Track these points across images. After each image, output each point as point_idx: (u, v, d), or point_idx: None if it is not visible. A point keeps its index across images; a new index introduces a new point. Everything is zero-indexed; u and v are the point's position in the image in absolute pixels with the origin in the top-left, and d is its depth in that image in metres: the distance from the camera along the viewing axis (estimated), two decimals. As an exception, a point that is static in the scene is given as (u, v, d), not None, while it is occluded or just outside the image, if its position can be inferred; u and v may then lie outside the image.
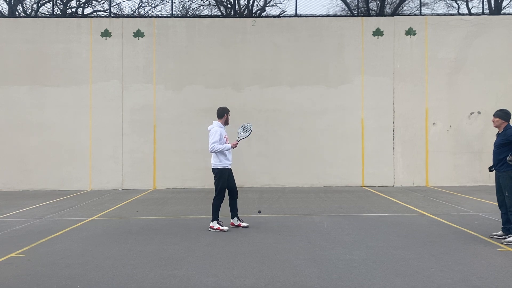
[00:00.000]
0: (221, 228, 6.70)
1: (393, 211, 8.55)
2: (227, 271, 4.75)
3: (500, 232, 6.13)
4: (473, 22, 13.19)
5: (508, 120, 6.04)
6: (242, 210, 8.74)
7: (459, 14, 17.76)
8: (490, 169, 6.19)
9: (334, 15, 16.52)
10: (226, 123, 7.01)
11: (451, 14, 15.64)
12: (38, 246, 5.94)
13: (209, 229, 6.74)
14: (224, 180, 6.75)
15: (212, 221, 6.76)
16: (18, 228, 7.18)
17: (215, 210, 6.74)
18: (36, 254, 5.52)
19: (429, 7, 19.80)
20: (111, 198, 10.84)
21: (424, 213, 8.26)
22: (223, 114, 6.96)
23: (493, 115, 6.08)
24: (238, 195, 7.03)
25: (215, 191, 6.78)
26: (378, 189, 12.10)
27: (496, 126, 6.04)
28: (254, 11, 20.07)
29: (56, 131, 12.91)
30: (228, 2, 21.35)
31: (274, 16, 15.54)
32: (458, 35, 13.10)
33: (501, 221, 6.18)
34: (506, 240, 5.85)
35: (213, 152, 6.71)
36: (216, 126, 6.81)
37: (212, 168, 6.83)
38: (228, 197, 6.94)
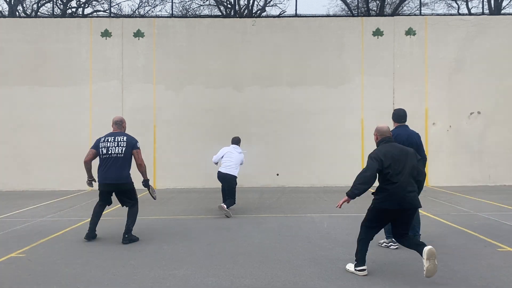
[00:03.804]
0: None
1: (393, 211, 8.53)
2: (227, 271, 4.75)
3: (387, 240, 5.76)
4: (473, 22, 13.19)
5: (397, 121, 5.74)
6: (242, 210, 8.76)
7: (459, 14, 17.77)
8: None
9: (334, 15, 16.53)
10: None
11: (451, 14, 15.65)
12: (38, 246, 5.94)
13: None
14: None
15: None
16: (18, 228, 7.18)
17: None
18: (36, 254, 5.52)
19: (429, 7, 19.82)
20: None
21: (424, 213, 8.25)
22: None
23: None
24: (233, 199, 8.21)
25: None
26: (378, 189, 12.09)
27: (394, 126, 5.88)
28: (254, 11, 20.08)
29: (56, 131, 12.92)
30: (228, 2, 21.36)
31: (274, 16, 15.54)
32: (458, 35, 13.10)
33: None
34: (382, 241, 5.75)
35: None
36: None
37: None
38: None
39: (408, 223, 4.49)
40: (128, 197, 6.24)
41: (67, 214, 8.65)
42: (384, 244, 5.70)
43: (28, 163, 12.86)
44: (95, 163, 6.19)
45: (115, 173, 6.00)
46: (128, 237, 6.04)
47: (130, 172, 6.23)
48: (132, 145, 6.10)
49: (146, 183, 6.34)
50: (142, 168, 6.21)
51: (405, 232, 4.50)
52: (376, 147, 4.70)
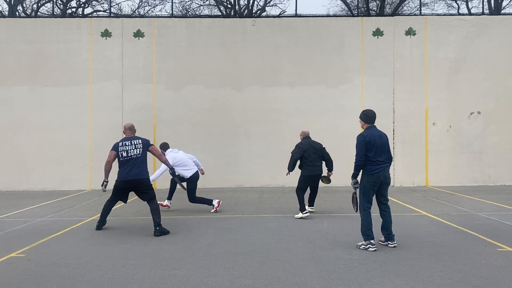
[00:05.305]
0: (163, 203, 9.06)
1: (393, 211, 8.46)
2: (227, 271, 4.75)
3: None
4: (473, 22, 13.19)
5: (368, 122, 5.72)
6: (242, 210, 8.75)
7: (459, 14, 17.77)
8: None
9: (334, 15, 16.53)
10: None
11: (451, 14, 15.64)
12: (38, 246, 5.94)
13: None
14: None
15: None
16: (18, 228, 7.18)
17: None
18: (36, 254, 5.52)
19: (429, 7, 19.83)
20: (111, 198, 10.81)
21: (424, 213, 8.26)
22: None
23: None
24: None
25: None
26: (378, 189, 12.09)
27: (361, 127, 5.85)
28: (254, 11, 20.08)
29: (56, 131, 12.91)
30: (228, 2, 21.36)
31: (274, 16, 15.54)
32: (458, 35, 13.10)
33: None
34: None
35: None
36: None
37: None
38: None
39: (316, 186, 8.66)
40: (147, 188, 6.90)
41: (67, 214, 8.65)
42: (362, 246, 5.62)
43: (28, 163, 12.86)
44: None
45: (137, 170, 6.80)
46: (159, 230, 6.62)
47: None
48: (147, 145, 6.90)
49: (173, 171, 7.69)
50: (164, 158, 7.24)
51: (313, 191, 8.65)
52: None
